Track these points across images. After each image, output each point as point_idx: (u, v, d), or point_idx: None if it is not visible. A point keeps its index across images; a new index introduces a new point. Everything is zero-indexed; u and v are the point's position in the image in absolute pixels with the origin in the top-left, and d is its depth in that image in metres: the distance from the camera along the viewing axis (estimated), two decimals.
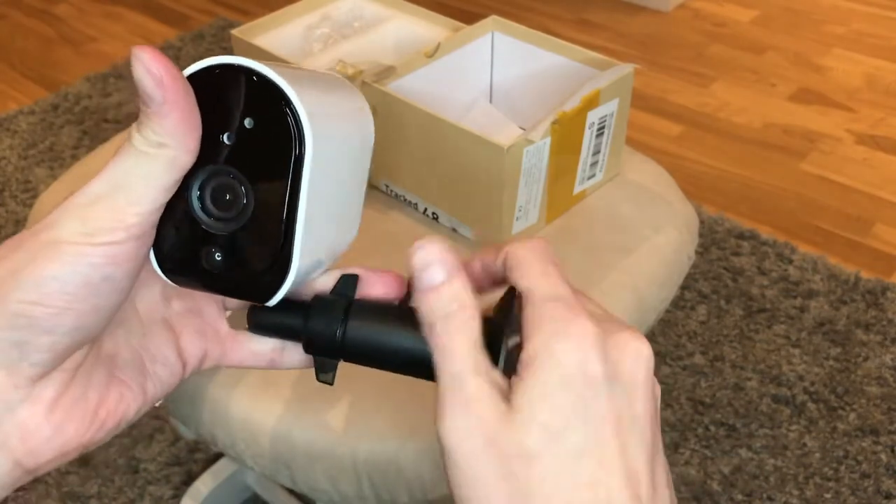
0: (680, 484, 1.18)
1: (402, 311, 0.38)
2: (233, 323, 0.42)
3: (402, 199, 0.84)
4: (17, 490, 1.20)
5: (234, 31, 0.91)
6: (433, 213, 0.82)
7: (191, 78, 0.35)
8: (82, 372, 0.35)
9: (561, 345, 0.33)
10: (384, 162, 0.81)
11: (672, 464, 1.21)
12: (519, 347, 0.34)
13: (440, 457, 0.34)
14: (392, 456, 0.64)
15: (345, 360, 0.39)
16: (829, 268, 1.50)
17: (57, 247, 0.32)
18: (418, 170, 0.80)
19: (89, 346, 0.35)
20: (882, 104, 1.95)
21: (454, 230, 0.81)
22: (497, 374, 0.34)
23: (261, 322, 0.40)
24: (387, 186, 0.84)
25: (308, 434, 0.65)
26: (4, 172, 1.78)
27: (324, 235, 0.37)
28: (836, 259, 1.54)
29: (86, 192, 0.33)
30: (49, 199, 0.90)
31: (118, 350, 0.37)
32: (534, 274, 0.35)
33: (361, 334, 0.38)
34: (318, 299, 0.39)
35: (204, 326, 0.41)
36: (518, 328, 0.35)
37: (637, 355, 0.34)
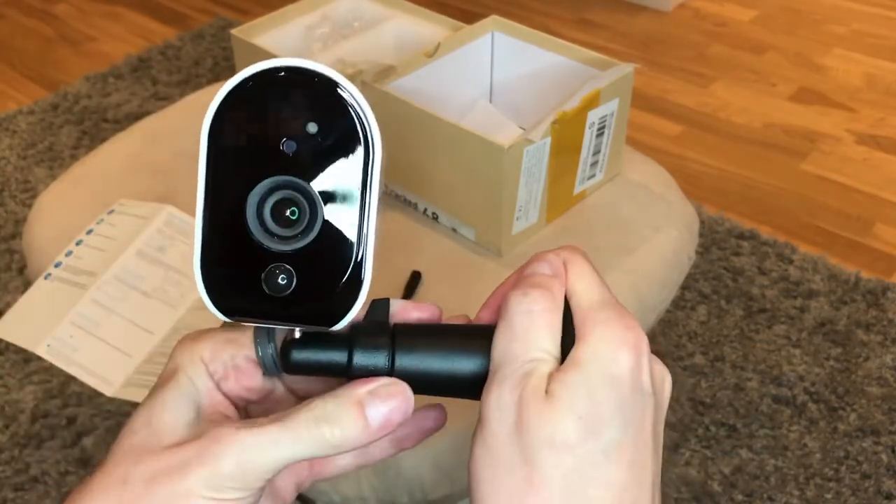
0: (680, 484, 1.18)
1: (449, 329, 0.37)
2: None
3: (402, 199, 0.84)
4: (17, 490, 1.20)
5: (234, 31, 0.91)
6: (433, 213, 0.82)
7: (246, 82, 0.32)
8: None
9: (609, 348, 0.34)
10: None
11: (672, 464, 1.21)
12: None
13: (475, 432, 0.35)
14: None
15: None
16: (829, 268, 1.50)
17: (188, 499, 0.32)
18: (418, 170, 0.80)
19: None
20: (882, 104, 1.95)
21: (454, 230, 0.81)
22: (553, 367, 0.35)
23: (297, 360, 0.34)
24: (386, 186, 0.84)
25: None
26: (4, 172, 1.77)
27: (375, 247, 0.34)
28: (837, 259, 1.54)
29: (218, 457, 0.33)
30: (48, 198, 0.90)
31: None
32: (587, 277, 0.37)
33: (412, 363, 0.35)
34: (358, 328, 0.35)
35: (298, 469, 0.40)
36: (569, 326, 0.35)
37: (665, 374, 0.36)
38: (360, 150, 0.31)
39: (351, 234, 0.31)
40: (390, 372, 0.35)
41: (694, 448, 1.23)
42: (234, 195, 0.31)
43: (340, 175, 0.31)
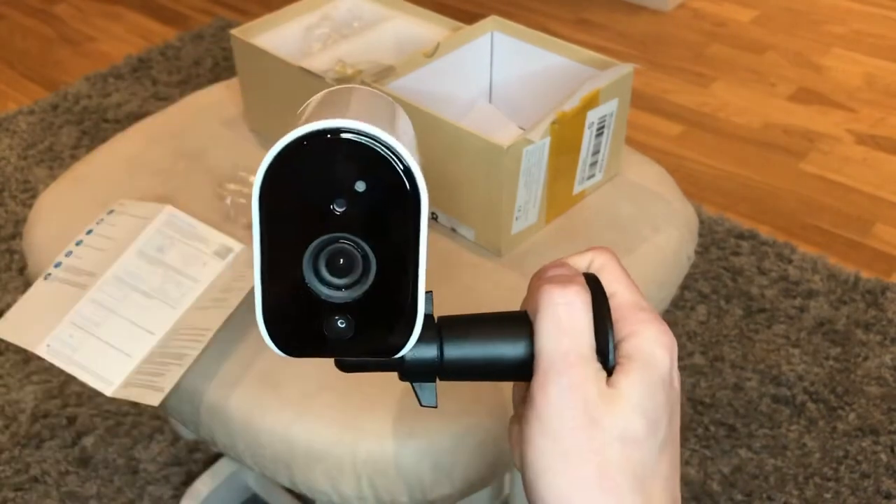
0: (680, 484, 1.18)
1: (489, 318, 0.39)
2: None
3: None
4: (17, 490, 1.20)
5: (234, 31, 0.91)
6: (433, 213, 0.82)
7: (293, 145, 0.31)
8: None
9: (659, 350, 0.37)
10: None
11: None
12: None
13: (509, 431, 0.37)
14: (392, 456, 0.64)
15: (441, 379, 0.38)
16: (828, 268, 1.50)
17: None
18: None
19: None
20: (882, 104, 1.95)
21: (454, 230, 0.81)
22: (597, 361, 0.37)
23: (351, 363, 0.37)
24: None
25: (308, 434, 0.65)
26: (4, 172, 1.78)
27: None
28: (836, 259, 1.54)
29: None
30: (48, 198, 0.90)
31: None
32: (623, 280, 0.39)
33: (460, 353, 0.38)
34: None
35: None
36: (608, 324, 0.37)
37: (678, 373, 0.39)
38: (407, 202, 0.32)
39: (404, 279, 0.33)
40: (440, 364, 0.37)
41: (693, 448, 1.23)
42: (289, 252, 0.33)
43: (391, 226, 0.32)
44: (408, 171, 0.31)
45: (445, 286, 0.75)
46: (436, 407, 0.38)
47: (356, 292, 0.33)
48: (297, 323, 0.34)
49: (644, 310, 0.38)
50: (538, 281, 0.39)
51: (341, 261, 0.33)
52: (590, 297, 0.37)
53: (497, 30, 0.90)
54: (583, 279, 0.38)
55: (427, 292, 0.36)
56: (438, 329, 0.38)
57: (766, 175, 1.75)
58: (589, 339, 0.37)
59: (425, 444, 0.64)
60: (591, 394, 0.35)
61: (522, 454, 0.37)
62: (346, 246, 0.33)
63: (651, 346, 0.37)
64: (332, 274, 0.33)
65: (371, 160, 0.31)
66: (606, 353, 0.37)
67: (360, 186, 0.32)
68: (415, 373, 0.37)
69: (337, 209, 0.32)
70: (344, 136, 0.31)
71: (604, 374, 0.36)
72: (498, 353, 0.38)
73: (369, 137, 0.31)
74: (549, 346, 0.36)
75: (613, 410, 0.35)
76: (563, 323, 0.36)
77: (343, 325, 0.34)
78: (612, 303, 0.38)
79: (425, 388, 0.38)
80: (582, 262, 0.41)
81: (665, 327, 0.38)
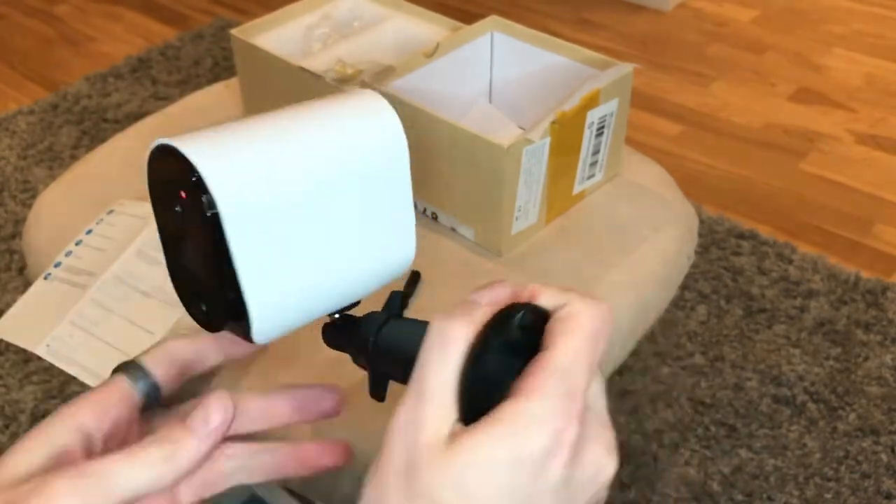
0: (680, 484, 1.18)
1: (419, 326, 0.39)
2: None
3: None
4: None
5: (234, 31, 0.91)
6: (433, 213, 0.82)
7: (152, 153, 0.35)
8: None
9: (538, 425, 0.31)
10: None
11: (672, 464, 1.21)
12: (497, 391, 0.33)
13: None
14: None
15: (378, 370, 0.40)
16: (829, 268, 1.50)
17: None
18: (417, 170, 0.80)
19: None
20: (882, 104, 1.95)
21: (454, 230, 0.81)
22: (456, 409, 0.32)
23: (327, 340, 0.42)
24: None
25: (307, 434, 0.65)
26: (4, 172, 1.78)
27: (299, 278, 0.36)
28: (836, 259, 1.54)
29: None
30: (48, 199, 0.90)
31: None
32: (574, 343, 0.33)
33: (389, 341, 0.39)
34: (366, 315, 0.41)
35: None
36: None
37: (597, 472, 0.33)
38: (207, 216, 0.34)
39: (221, 278, 0.35)
40: (374, 349, 0.40)
41: (693, 448, 1.23)
42: (165, 241, 0.38)
43: (202, 232, 0.34)
44: (199, 182, 0.33)
45: (445, 286, 0.75)
46: (382, 401, 0.40)
47: (207, 283, 0.36)
48: (187, 301, 0.37)
49: (561, 384, 0.32)
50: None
51: (189, 254, 0.36)
52: (470, 336, 0.33)
53: (497, 30, 0.90)
54: (484, 315, 0.34)
55: (398, 291, 0.40)
56: (386, 320, 0.40)
57: (766, 175, 1.75)
58: (450, 379, 0.32)
59: None
60: (423, 439, 0.31)
61: None
62: (189, 244, 0.35)
63: (530, 419, 0.30)
64: (188, 265, 0.36)
65: (181, 172, 0.34)
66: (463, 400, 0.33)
67: (183, 194, 0.34)
68: (359, 357, 0.40)
69: (178, 209, 0.35)
70: (160, 147, 0.35)
71: (457, 424, 0.32)
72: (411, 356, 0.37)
73: (179, 153, 0.34)
74: (414, 374, 0.33)
75: (435, 464, 0.30)
76: (432, 354, 0.33)
77: (204, 310, 0.37)
78: (542, 354, 0.33)
79: (376, 383, 0.40)
80: (551, 299, 0.35)
81: (569, 408, 0.31)
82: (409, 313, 0.72)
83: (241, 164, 0.34)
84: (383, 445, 0.33)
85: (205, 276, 0.35)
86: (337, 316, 0.41)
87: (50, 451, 0.35)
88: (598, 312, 0.34)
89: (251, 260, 0.34)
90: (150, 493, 0.34)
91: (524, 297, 0.35)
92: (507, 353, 0.34)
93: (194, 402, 0.37)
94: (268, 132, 0.36)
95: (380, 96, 0.39)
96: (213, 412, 0.36)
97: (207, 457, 0.36)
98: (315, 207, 0.36)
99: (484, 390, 0.33)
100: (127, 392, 0.38)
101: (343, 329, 0.41)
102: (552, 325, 0.34)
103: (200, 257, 0.35)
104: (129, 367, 0.39)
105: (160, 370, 0.40)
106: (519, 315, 0.34)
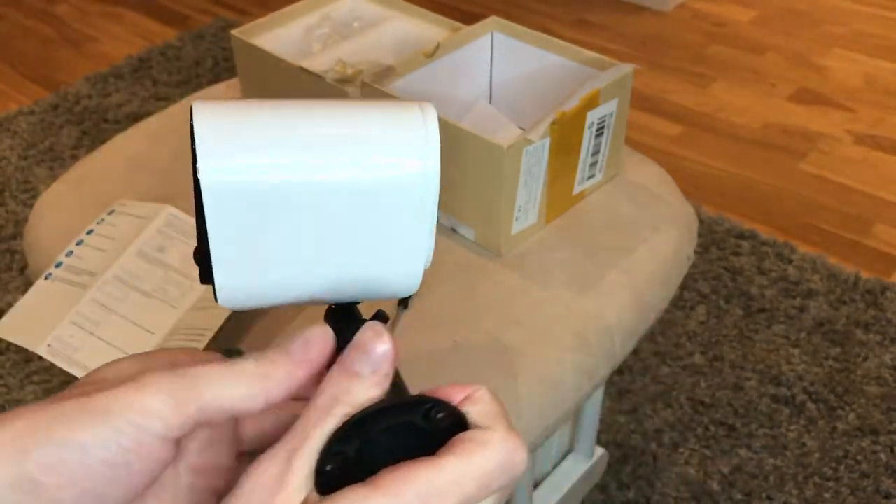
0: (679, 483, 1.19)
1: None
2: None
3: None
4: None
5: (234, 32, 0.91)
6: None
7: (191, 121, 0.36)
8: None
9: None
10: None
11: (671, 463, 1.21)
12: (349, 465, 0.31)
13: None
14: None
15: None
16: (828, 268, 1.51)
17: (100, 416, 0.31)
18: None
19: None
20: (881, 104, 1.95)
21: (453, 230, 0.82)
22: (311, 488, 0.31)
23: (329, 323, 0.41)
24: None
25: None
26: (4, 172, 1.78)
27: (273, 260, 0.36)
28: (836, 259, 1.54)
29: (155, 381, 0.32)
30: (49, 199, 0.90)
31: None
32: (464, 469, 0.31)
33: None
34: (355, 315, 0.39)
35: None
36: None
37: None
38: (197, 178, 0.34)
39: (203, 241, 0.36)
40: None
41: (693, 447, 1.23)
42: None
43: (197, 193, 0.35)
44: (194, 143, 0.34)
45: (445, 286, 0.75)
46: None
47: (200, 241, 0.36)
48: (198, 259, 0.38)
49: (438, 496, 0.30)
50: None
51: (199, 219, 0.36)
52: (370, 401, 0.32)
53: (497, 30, 0.90)
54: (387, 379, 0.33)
55: (380, 311, 0.38)
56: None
57: (766, 175, 1.75)
58: (308, 456, 0.31)
59: None
60: (279, 499, 0.30)
61: None
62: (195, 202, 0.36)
63: None
64: (198, 229, 0.37)
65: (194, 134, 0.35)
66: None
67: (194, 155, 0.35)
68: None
69: (193, 168, 0.35)
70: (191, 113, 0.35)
71: (313, 494, 0.30)
72: None
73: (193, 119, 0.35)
74: (300, 423, 0.32)
75: None
76: (321, 412, 0.32)
77: (201, 270, 0.37)
78: (421, 462, 0.31)
79: None
80: (480, 417, 0.33)
81: None
82: (410, 313, 0.72)
83: (240, 141, 0.35)
84: (241, 483, 0.31)
85: (199, 235, 0.36)
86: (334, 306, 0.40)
87: (142, 367, 0.35)
88: (513, 460, 0.31)
89: (224, 230, 0.35)
90: (238, 410, 0.33)
91: (457, 397, 0.34)
92: (397, 438, 0.32)
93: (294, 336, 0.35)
94: (291, 121, 0.36)
95: (433, 124, 0.37)
96: (313, 342, 0.34)
97: (300, 386, 0.34)
98: (307, 206, 0.36)
99: (353, 468, 0.31)
100: (222, 360, 0.37)
101: (339, 317, 0.39)
102: (459, 439, 0.31)
103: (196, 216, 0.36)
104: (231, 352, 0.38)
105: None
106: (429, 406, 0.32)
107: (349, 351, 0.33)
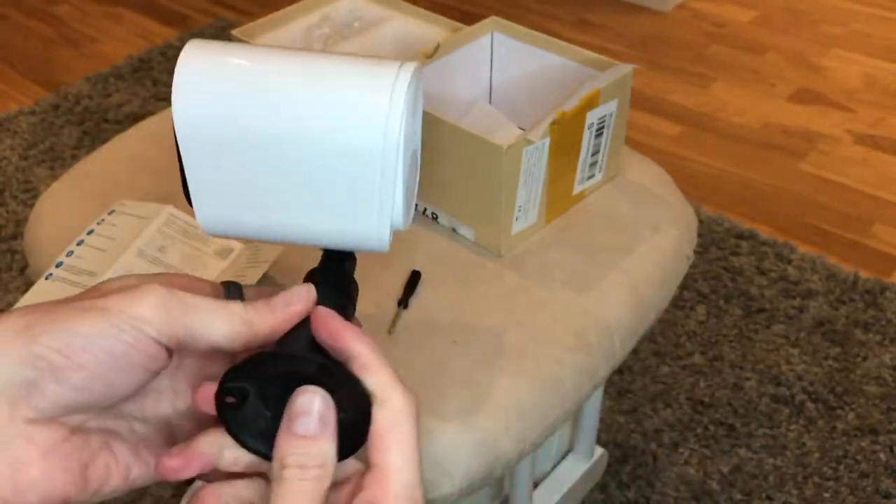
0: (679, 483, 1.19)
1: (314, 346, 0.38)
2: None
3: None
4: None
5: (235, 32, 0.91)
6: (433, 213, 0.82)
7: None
8: (82, 433, 0.36)
9: None
10: None
11: (671, 463, 1.21)
12: None
13: None
14: None
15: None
16: (828, 268, 1.51)
17: (100, 312, 0.34)
18: None
19: (96, 415, 0.36)
20: (881, 104, 1.95)
21: (453, 230, 0.82)
22: None
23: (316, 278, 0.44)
24: None
25: None
26: (5, 172, 1.78)
27: (243, 193, 0.39)
28: (835, 259, 1.54)
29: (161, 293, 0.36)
30: (49, 199, 0.90)
31: (120, 430, 0.38)
32: (407, 451, 0.35)
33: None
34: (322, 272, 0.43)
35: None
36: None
37: None
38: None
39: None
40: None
41: (693, 447, 1.23)
42: None
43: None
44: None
45: (445, 286, 0.76)
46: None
47: (182, 173, 0.40)
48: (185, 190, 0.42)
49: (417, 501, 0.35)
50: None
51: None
52: (330, 477, 0.35)
53: (497, 30, 0.90)
54: (332, 434, 0.35)
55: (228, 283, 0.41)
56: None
57: (766, 175, 1.76)
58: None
59: (425, 443, 0.64)
60: None
61: None
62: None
63: None
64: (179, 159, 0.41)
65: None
66: None
67: None
68: None
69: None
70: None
71: None
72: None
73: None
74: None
75: None
76: (295, 495, 0.34)
77: (186, 196, 0.41)
78: (384, 474, 0.35)
79: None
80: (373, 380, 0.36)
81: None
82: (410, 313, 0.72)
83: (213, 81, 0.37)
84: None
85: (180, 164, 0.39)
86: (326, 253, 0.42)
87: (144, 281, 0.38)
88: (413, 408, 0.36)
89: (195, 159, 0.38)
90: (219, 346, 0.36)
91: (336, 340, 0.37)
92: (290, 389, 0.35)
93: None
94: (267, 67, 0.38)
95: (401, 87, 0.38)
96: (296, 298, 0.38)
97: (279, 335, 0.38)
98: (271, 148, 0.38)
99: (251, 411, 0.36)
100: (219, 293, 0.40)
101: (327, 275, 0.42)
102: (382, 434, 0.35)
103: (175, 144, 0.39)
104: (230, 285, 0.41)
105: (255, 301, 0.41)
106: (323, 364, 0.36)
107: (290, 419, 0.35)
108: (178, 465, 0.36)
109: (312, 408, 0.35)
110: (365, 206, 0.39)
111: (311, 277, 0.41)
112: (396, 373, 0.36)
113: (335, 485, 0.35)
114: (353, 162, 0.38)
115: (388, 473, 0.34)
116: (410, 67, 0.38)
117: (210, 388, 0.37)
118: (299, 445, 0.34)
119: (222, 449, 0.37)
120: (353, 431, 0.35)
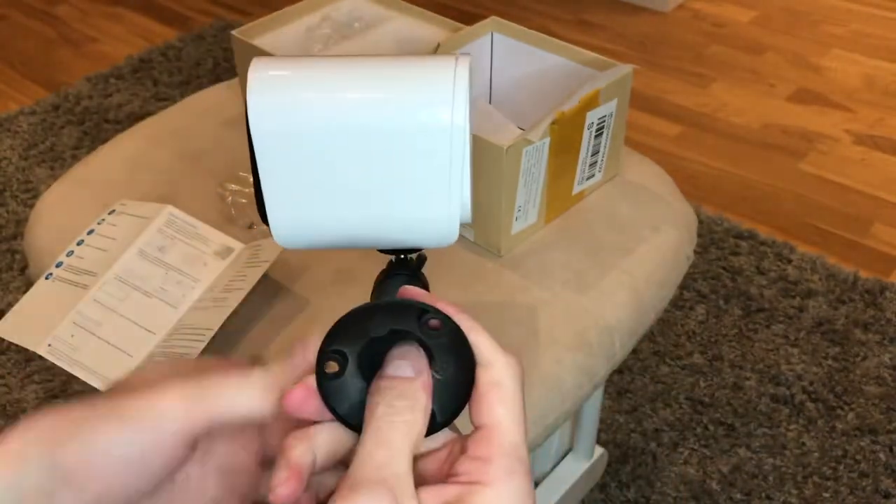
0: (679, 483, 1.19)
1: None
2: None
3: None
4: None
5: (235, 32, 0.91)
6: None
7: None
8: None
9: None
10: None
11: (671, 463, 1.21)
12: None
13: None
14: None
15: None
16: (827, 267, 1.51)
17: (117, 420, 0.35)
18: None
19: None
20: (880, 104, 1.96)
21: None
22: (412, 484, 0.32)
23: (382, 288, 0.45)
24: None
25: None
26: (5, 173, 1.78)
27: (320, 201, 0.40)
28: (835, 259, 1.54)
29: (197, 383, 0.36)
30: (50, 199, 0.90)
31: None
32: (515, 408, 0.34)
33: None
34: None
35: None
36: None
37: None
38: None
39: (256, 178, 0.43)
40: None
41: (692, 447, 1.23)
42: None
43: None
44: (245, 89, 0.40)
45: (445, 286, 0.76)
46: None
47: (256, 187, 0.42)
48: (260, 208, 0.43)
49: (518, 459, 0.33)
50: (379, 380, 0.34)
51: (253, 164, 0.42)
52: (420, 414, 0.33)
53: (497, 31, 0.90)
54: (418, 390, 0.34)
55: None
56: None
57: (766, 175, 1.76)
58: (407, 464, 0.32)
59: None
60: None
61: None
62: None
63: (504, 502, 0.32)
64: (253, 174, 0.42)
65: None
66: None
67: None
68: None
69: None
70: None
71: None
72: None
73: None
74: (362, 453, 0.32)
75: None
76: (383, 436, 0.32)
77: (260, 211, 0.42)
78: (493, 431, 0.33)
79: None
80: (483, 349, 0.35)
81: (529, 482, 0.33)
82: None
83: (284, 90, 0.39)
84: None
85: (254, 180, 0.41)
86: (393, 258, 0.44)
87: (164, 374, 0.38)
88: (519, 370, 0.35)
89: (271, 170, 0.40)
90: (247, 417, 0.36)
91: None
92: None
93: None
94: (331, 72, 0.40)
95: (463, 75, 0.40)
96: (311, 341, 0.36)
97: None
98: (344, 148, 0.39)
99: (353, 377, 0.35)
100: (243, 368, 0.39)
101: (392, 270, 0.44)
102: (486, 392, 0.34)
103: (252, 164, 0.40)
104: (256, 359, 0.40)
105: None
106: (422, 309, 0.34)
107: (384, 366, 0.35)
108: (293, 488, 0.33)
109: (407, 355, 0.34)
110: (436, 192, 0.41)
111: (383, 276, 0.43)
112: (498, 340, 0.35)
113: (427, 455, 0.35)
114: (424, 144, 0.40)
115: (494, 431, 0.33)
116: (467, 57, 0.41)
117: (297, 392, 0.35)
118: (391, 385, 0.33)
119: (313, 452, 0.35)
120: (455, 393, 0.34)
